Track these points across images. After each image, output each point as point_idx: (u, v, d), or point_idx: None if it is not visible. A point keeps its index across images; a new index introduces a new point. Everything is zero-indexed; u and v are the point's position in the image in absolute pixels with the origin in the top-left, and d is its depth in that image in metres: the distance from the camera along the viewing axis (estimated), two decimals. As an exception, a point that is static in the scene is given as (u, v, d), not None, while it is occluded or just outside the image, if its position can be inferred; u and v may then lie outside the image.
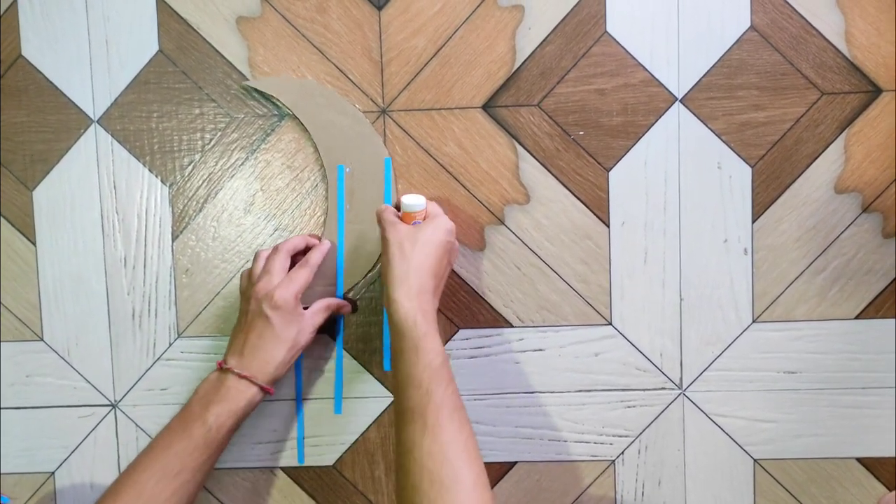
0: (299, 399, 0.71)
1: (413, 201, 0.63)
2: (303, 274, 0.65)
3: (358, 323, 0.71)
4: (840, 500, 0.70)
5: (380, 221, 0.64)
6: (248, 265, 0.70)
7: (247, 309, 0.65)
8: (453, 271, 0.70)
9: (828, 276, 0.69)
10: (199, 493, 0.64)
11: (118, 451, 0.72)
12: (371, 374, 0.71)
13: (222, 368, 0.64)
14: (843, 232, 0.68)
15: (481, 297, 0.70)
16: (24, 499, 0.73)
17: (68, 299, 0.72)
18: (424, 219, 0.64)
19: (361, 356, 0.71)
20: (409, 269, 0.60)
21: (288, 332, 0.64)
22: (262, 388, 0.64)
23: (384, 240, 0.62)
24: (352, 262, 0.70)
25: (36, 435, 0.72)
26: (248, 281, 0.66)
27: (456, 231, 0.65)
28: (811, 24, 0.67)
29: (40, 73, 0.70)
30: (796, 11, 0.67)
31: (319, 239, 0.70)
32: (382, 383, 0.71)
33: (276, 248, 0.66)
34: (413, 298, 0.59)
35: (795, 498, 0.70)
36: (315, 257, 0.67)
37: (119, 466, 0.72)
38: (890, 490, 0.69)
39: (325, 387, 0.71)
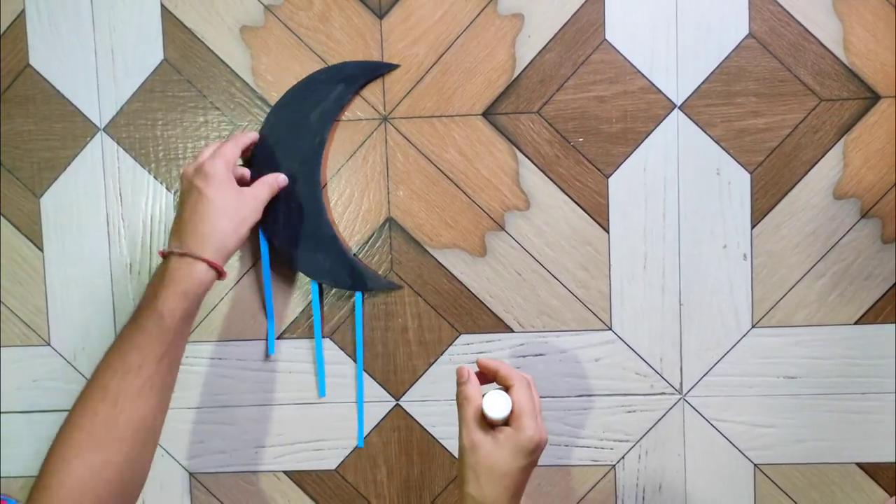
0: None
1: (496, 410, 0.55)
2: (228, 147, 0.64)
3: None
4: (840, 506, 0.70)
5: (459, 406, 0.58)
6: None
7: (181, 192, 0.63)
8: (454, 277, 0.71)
9: (827, 282, 0.69)
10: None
11: (123, 454, 0.73)
12: (373, 378, 0.72)
13: (166, 251, 0.60)
14: (842, 237, 0.69)
15: (482, 302, 0.71)
16: (31, 502, 0.74)
17: (75, 305, 0.73)
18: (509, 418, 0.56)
19: (363, 361, 0.72)
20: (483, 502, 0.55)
21: (224, 200, 0.61)
22: (209, 265, 0.59)
23: (460, 446, 0.57)
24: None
25: (43, 438, 0.73)
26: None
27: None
28: (809, 31, 0.68)
29: (47, 81, 0.72)
30: (794, 19, 0.68)
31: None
32: (384, 387, 0.72)
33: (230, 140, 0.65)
34: None
35: (796, 503, 0.70)
36: (241, 136, 0.66)
37: (124, 470, 0.73)
38: (890, 495, 0.69)
39: (329, 392, 0.72)
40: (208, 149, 0.65)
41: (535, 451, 0.55)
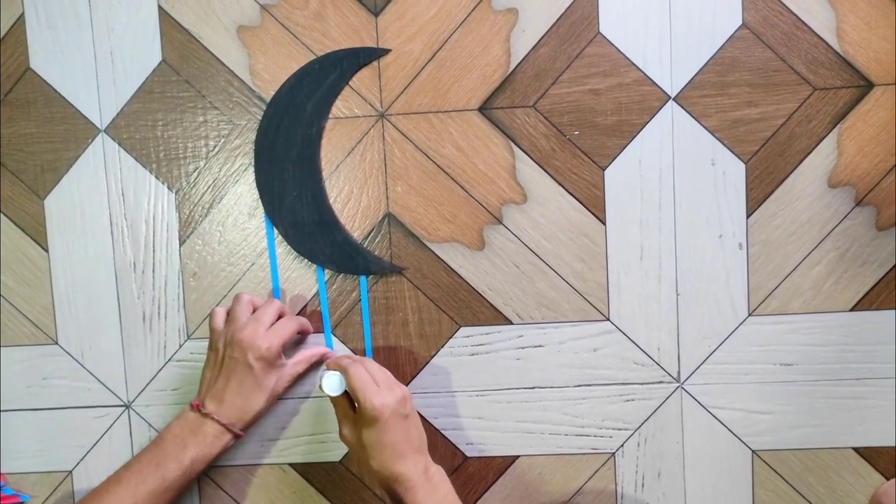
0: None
1: (330, 387, 0.64)
2: (290, 326, 0.68)
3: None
4: (837, 490, 0.71)
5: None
6: (224, 297, 0.72)
7: (226, 354, 0.66)
8: (453, 271, 0.71)
9: (822, 270, 0.70)
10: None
11: (132, 449, 0.74)
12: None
13: (202, 412, 0.66)
14: (837, 225, 0.69)
15: (481, 295, 0.72)
16: (44, 497, 0.76)
17: (81, 304, 0.74)
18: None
19: (364, 353, 0.73)
20: (389, 467, 0.62)
21: (269, 381, 0.67)
22: (236, 435, 0.67)
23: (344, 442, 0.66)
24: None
25: (53, 435, 0.75)
26: (229, 322, 0.68)
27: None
28: (802, 21, 0.68)
29: (48, 84, 0.73)
30: (787, 8, 0.68)
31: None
32: (386, 381, 0.73)
33: (270, 302, 0.68)
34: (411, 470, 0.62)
35: (793, 488, 0.71)
36: (302, 319, 0.70)
37: (133, 465, 0.74)
38: (887, 479, 0.70)
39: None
40: (270, 309, 0.68)
41: (382, 411, 0.61)
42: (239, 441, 0.68)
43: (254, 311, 0.68)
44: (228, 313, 0.69)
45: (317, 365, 0.72)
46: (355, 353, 0.73)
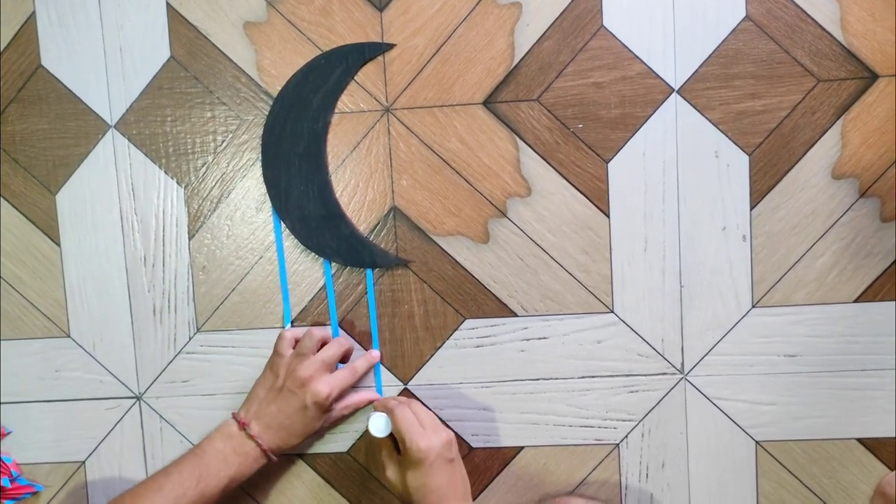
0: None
1: (376, 429, 0.67)
2: (347, 378, 0.69)
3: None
4: (841, 480, 0.71)
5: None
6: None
7: (286, 385, 0.68)
8: (458, 264, 0.72)
9: (826, 261, 0.70)
10: None
11: (143, 440, 0.76)
12: (382, 363, 0.74)
13: (247, 433, 0.67)
14: (840, 217, 0.69)
15: (486, 287, 0.72)
16: (57, 487, 0.77)
17: (92, 297, 0.75)
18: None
19: (371, 345, 0.74)
20: None
21: (317, 423, 0.69)
22: (271, 460, 0.68)
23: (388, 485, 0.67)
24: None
25: (66, 426, 0.76)
26: (295, 353, 0.69)
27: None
28: (806, 13, 0.68)
29: (59, 81, 0.74)
30: (791, 0, 0.68)
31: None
32: (392, 372, 0.74)
33: (337, 341, 0.71)
34: None
35: (797, 478, 0.72)
36: (361, 365, 0.71)
37: (145, 455, 0.76)
38: (891, 470, 0.70)
39: (338, 377, 0.74)
40: (335, 349, 0.70)
41: (427, 454, 0.62)
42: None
43: (322, 346, 0.70)
44: (297, 341, 0.70)
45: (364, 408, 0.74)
46: (361, 346, 0.74)
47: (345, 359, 0.72)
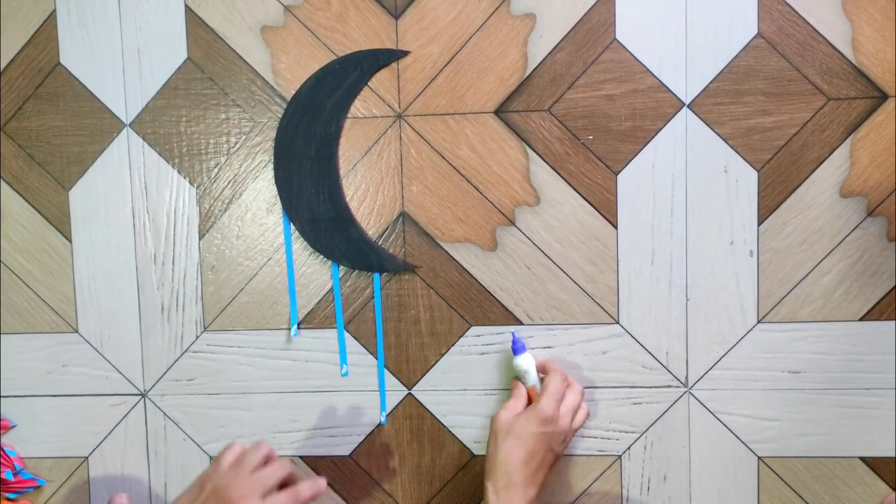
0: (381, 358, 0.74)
1: (525, 370, 0.68)
2: (275, 474, 0.61)
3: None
4: (843, 499, 0.71)
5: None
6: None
7: (207, 500, 0.59)
8: (465, 270, 0.72)
9: (832, 279, 0.70)
10: None
11: (147, 437, 0.76)
12: (386, 367, 0.74)
13: None
14: (847, 235, 0.69)
15: (493, 295, 0.73)
16: (60, 481, 0.77)
17: (101, 294, 0.76)
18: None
19: (376, 349, 0.74)
20: (496, 462, 0.64)
21: None
22: None
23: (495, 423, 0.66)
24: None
25: (71, 421, 0.77)
26: (234, 464, 0.62)
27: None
28: (818, 31, 0.68)
29: (77, 79, 0.75)
30: (803, 19, 0.68)
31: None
32: (396, 377, 0.74)
33: (281, 463, 0.62)
34: (499, 491, 0.63)
35: (799, 495, 0.71)
36: (305, 491, 0.61)
37: (148, 452, 0.76)
38: (893, 489, 0.70)
39: (342, 381, 0.74)
40: (274, 470, 0.61)
41: (548, 421, 0.64)
42: (250, 433, 0.69)
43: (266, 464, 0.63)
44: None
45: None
46: (367, 350, 0.74)
47: (286, 483, 0.63)
